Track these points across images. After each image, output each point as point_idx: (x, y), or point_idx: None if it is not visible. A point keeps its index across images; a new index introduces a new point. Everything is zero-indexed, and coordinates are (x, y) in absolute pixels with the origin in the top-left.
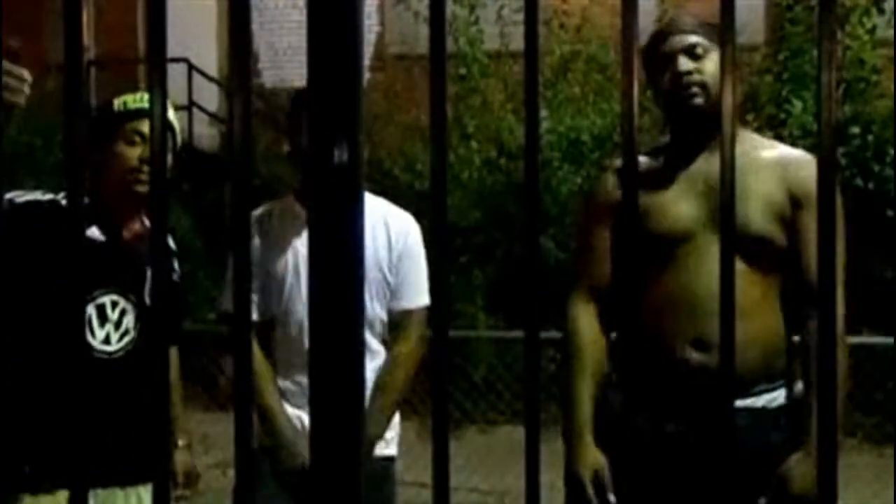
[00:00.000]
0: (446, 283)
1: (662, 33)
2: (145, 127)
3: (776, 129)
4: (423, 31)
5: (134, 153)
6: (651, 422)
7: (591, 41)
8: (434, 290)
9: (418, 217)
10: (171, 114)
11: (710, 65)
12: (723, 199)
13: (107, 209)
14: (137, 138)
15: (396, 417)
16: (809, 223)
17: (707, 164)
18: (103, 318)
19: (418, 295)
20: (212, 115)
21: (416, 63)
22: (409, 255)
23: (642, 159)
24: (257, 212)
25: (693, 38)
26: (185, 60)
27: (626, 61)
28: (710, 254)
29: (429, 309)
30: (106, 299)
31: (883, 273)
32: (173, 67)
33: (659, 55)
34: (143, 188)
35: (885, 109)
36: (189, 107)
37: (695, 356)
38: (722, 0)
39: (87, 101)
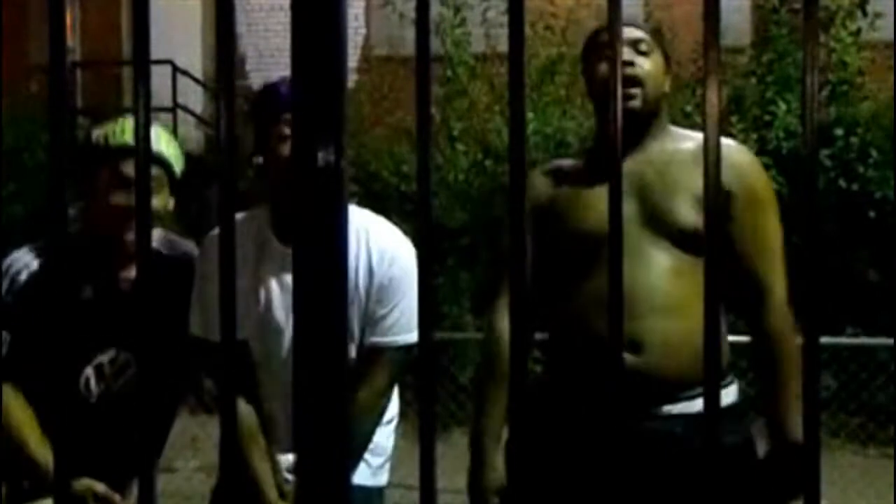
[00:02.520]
0: (432, 285)
1: (608, 25)
2: (129, 170)
3: (760, 130)
4: (409, 33)
5: (119, 199)
6: (584, 423)
7: (577, 43)
8: (421, 291)
9: (404, 218)
10: (163, 146)
11: (651, 64)
12: (707, 203)
13: (96, 259)
14: (120, 184)
15: (390, 441)
16: (741, 212)
17: (636, 163)
18: (100, 377)
19: (393, 330)
20: (197, 118)
21: (401, 65)
22: (392, 286)
23: (568, 161)
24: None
25: (639, 33)
26: (170, 62)
27: (611, 63)
28: (640, 252)
29: (405, 349)
30: (104, 358)
31: (866, 274)
32: (158, 69)
33: (601, 43)
34: (131, 245)
35: (869, 112)
36: (174, 109)
37: (628, 358)
38: (706, 2)
39: (71, 103)
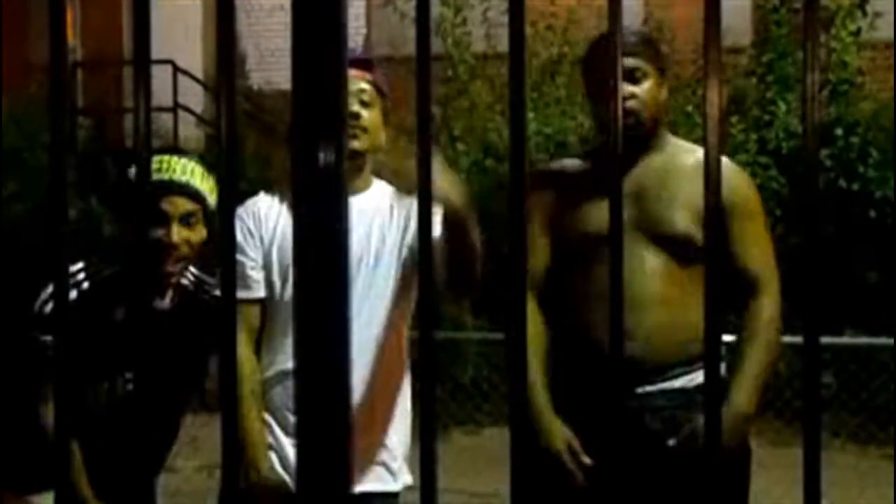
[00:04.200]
0: (433, 284)
1: (603, 49)
2: (166, 206)
3: (761, 130)
4: (410, 32)
5: (157, 234)
6: (586, 406)
7: (578, 43)
8: (421, 291)
9: None
10: (197, 181)
11: (647, 88)
12: (707, 202)
13: (134, 288)
14: (158, 220)
15: (404, 445)
16: (736, 222)
17: (637, 174)
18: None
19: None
20: (198, 117)
21: (402, 65)
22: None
23: (575, 162)
24: (250, 201)
25: (632, 62)
26: (170, 62)
27: (612, 61)
28: (633, 253)
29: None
30: (126, 377)
31: (866, 274)
32: (158, 69)
33: (598, 73)
34: (172, 268)
35: (869, 111)
36: (174, 109)
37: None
38: (706, 2)
39: (71, 103)
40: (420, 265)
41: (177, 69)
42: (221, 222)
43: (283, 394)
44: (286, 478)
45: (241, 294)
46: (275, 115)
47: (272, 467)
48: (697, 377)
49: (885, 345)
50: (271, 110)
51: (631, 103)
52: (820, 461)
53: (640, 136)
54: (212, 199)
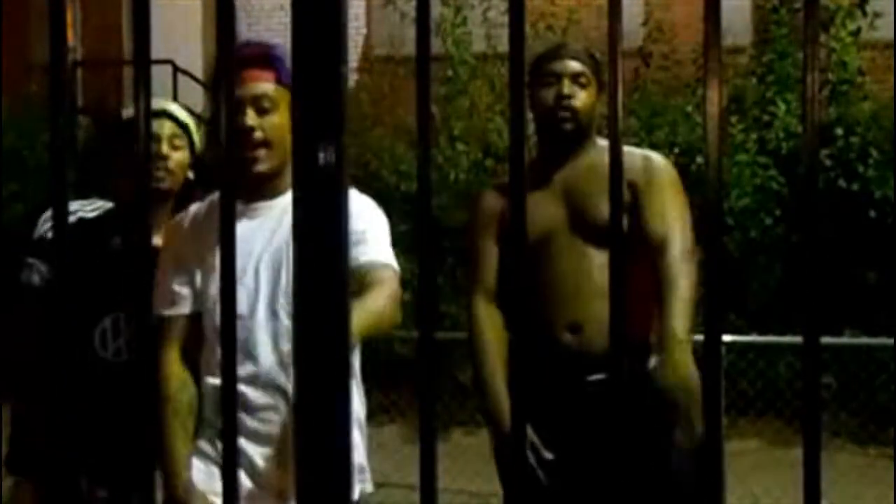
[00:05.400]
0: (433, 284)
1: (554, 53)
2: (156, 127)
3: (761, 130)
4: (410, 32)
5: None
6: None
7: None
8: (421, 291)
9: (404, 218)
10: (174, 109)
11: (587, 95)
12: (707, 202)
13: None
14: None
15: (362, 452)
16: (644, 196)
17: (566, 174)
18: (117, 332)
19: (382, 254)
20: (197, 117)
21: (402, 65)
22: (359, 237)
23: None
24: (192, 208)
25: (580, 67)
26: (170, 62)
27: (612, 63)
28: (572, 249)
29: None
30: (122, 313)
31: (866, 274)
32: (158, 69)
33: (546, 72)
34: (162, 184)
35: (869, 111)
36: None
37: (569, 338)
38: (707, 2)
39: (71, 103)
40: (420, 265)
41: (177, 69)
42: (221, 224)
43: (210, 409)
44: (210, 494)
45: (168, 311)
46: None
47: (191, 481)
48: (649, 361)
49: (885, 345)
50: None
51: (575, 102)
52: (820, 461)
53: (572, 138)
54: (193, 129)
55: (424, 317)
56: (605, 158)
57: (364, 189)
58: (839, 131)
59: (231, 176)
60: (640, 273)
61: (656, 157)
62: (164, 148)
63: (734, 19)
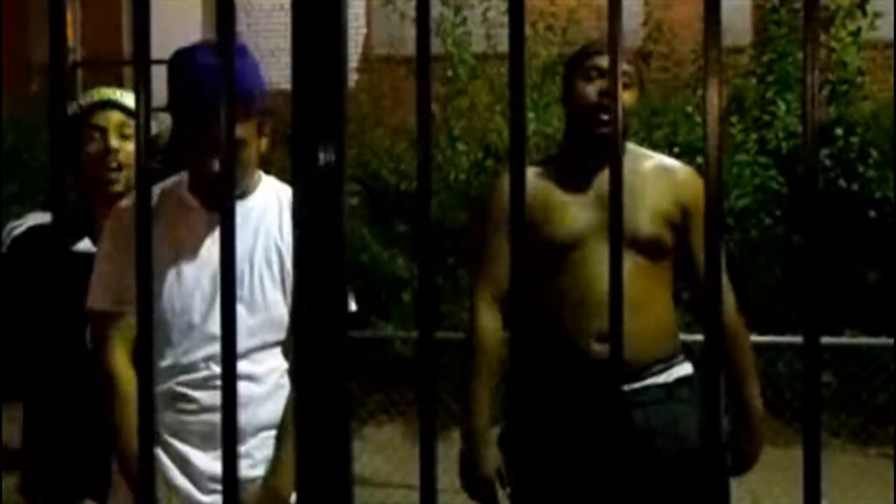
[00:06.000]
0: (433, 284)
1: (601, 47)
2: (101, 120)
3: (761, 130)
4: (410, 32)
5: (93, 147)
6: (556, 410)
7: (578, 43)
8: (421, 291)
9: (404, 218)
10: (127, 99)
11: (630, 95)
12: (707, 202)
13: (93, 216)
14: (96, 133)
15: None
16: (696, 227)
17: (603, 178)
18: None
19: None
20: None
21: (402, 65)
22: None
23: (537, 170)
24: (123, 202)
25: (626, 65)
26: None
27: (612, 64)
28: (602, 256)
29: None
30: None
31: (865, 274)
32: (158, 69)
33: (591, 66)
34: (114, 187)
35: (869, 112)
36: None
37: (597, 348)
38: (706, 1)
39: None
40: (420, 265)
41: None
42: (222, 223)
43: (165, 412)
44: (170, 496)
45: (112, 307)
46: (274, 115)
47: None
48: (675, 372)
49: (885, 345)
50: (272, 110)
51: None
52: (820, 461)
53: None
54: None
55: (424, 317)
56: (646, 165)
57: (363, 189)
58: (839, 131)
59: (231, 175)
60: (665, 278)
61: (698, 175)
62: (113, 140)
63: (734, 19)
